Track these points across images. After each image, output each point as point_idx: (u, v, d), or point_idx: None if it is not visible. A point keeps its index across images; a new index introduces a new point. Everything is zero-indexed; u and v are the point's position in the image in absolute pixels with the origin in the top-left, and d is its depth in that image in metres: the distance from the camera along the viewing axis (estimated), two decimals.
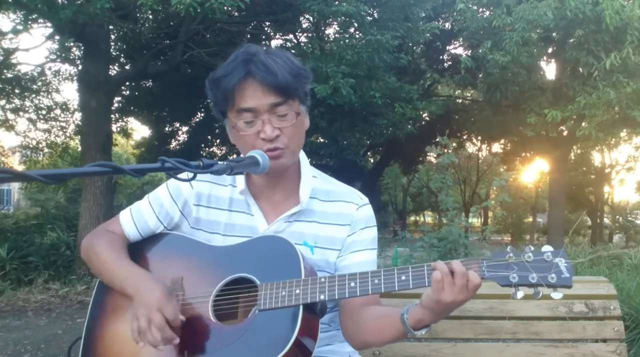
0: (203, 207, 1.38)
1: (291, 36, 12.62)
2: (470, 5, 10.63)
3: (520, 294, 1.05)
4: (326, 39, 11.31)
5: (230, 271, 1.24)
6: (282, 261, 1.20)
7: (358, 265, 1.33)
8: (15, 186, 24.40)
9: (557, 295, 1.04)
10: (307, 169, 1.39)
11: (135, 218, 1.41)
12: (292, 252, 1.20)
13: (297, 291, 1.13)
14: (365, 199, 1.42)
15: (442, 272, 1.05)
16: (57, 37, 9.67)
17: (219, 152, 16.29)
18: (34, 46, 14.32)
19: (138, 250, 1.40)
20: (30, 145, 13.28)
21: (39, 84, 11.96)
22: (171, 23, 9.87)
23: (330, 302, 1.34)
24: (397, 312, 1.16)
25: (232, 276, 1.24)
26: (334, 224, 1.35)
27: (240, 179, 1.35)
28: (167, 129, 15.99)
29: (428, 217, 36.93)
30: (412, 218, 38.01)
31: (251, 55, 1.23)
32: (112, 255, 1.35)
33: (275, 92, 1.22)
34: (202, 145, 16.01)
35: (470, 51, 12.58)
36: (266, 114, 1.23)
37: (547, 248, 1.06)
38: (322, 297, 1.12)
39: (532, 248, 1.07)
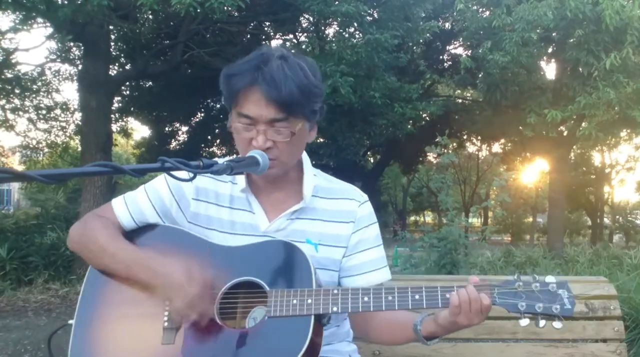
0: (202, 202, 1.36)
1: (291, 36, 12.63)
2: (470, 6, 10.62)
3: (525, 322, 1.12)
4: (326, 38, 11.32)
5: (237, 273, 1.22)
6: (292, 269, 1.19)
7: (368, 263, 1.35)
8: (15, 186, 24.40)
9: (558, 325, 1.11)
10: (309, 168, 1.39)
11: (131, 207, 1.35)
12: (304, 261, 1.19)
13: (309, 301, 1.13)
14: (365, 196, 1.43)
15: (461, 299, 1.11)
16: (57, 37, 9.68)
17: (219, 152, 16.30)
18: (34, 46, 14.31)
19: (136, 240, 1.33)
20: (30, 146, 13.29)
21: (39, 84, 11.97)
22: (171, 23, 9.89)
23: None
24: (410, 320, 1.20)
25: (238, 278, 1.21)
26: (338, 222, 1.35)
27: (241, 176, 1.34)
28: (167, 129, 16.00)
29: (428, 217, 36.94)
30: (412, 218, 38.02)
31: (264, 62, 1.20)
32: (113, 240, 1.28)
33: (277, 107, 1.19)
34: (202, 145, 16.01)
35: (470, 51, 12.58)
36: (263, 125, 1.21)
37: (550, 279, 1.13)
38: (334, 309, 1.13)
39: (537, 277, 1.14)
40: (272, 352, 1.11)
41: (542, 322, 1.11)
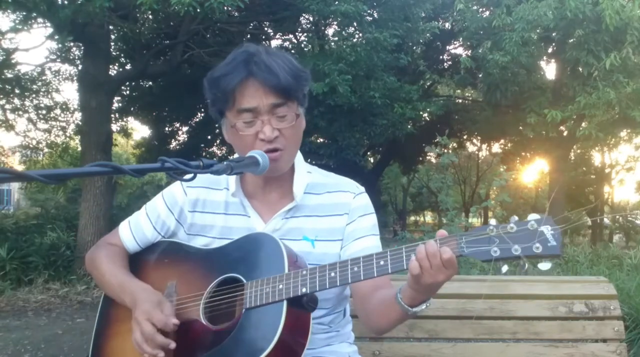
0: (198, 212, 1.39)
1: (291, 36, 12.64)
2: (470, 6, 10.62)
3: (504, 268, 1.01)
4: (325, 38, 11.32)
5: (220, 272, 1.25)
6: (266, 258, 1.20)
7: (361, 252, 1.31)
8: (15, 186, 24.42)
9: (545, 266, 0.98)
10: (301, 166, 1.39)
11: (134, 230, 1.43)
12: (275, 247, 1.20)
13: (280, 286, 1.14)
14: (362, 188, 1.42)
15: (419, 257, 1.04)
16: (57, 37, 9.68)
17: (219, 152, 16.28)
18: (34, 46, 14.30)
19: (137, 260, 1.42)
20: (30, 146, 13.29)
21: (39, 84, 11.96)
22: (171, 23, 9.88)
23: (330, 302, 1.34)
24: (394, 293, 1.17)
25: (221, 277, 1.24)
26: (332, 215, 1.35)
27: (232, 182, 1.35)
28: (167, 129, 15.98)
29: (428, 217, 36.91)
30: (412, 218, 37.98)
31: (251, 55, 1.23)
32: (111, 268, 1.37)
33: (276, 93, 1.22)
34: (202, 145, 16.00)
35: (470, 51, 12.57)
36: (266, 114, 1.23)
37: (532, 216, 0.99)
38: (304, 290, 1.12)
39: (517, 218, 1.01)
40: (250, 342, 1.12)
41: (525, 266, 0.97)
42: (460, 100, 17.63)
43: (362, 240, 1.35)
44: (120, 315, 1.35)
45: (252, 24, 11.06)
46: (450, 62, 15.76)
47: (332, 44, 9.92)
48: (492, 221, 1.03)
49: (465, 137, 18.59)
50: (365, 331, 1.68)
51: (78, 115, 12.12)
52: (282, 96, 1.23)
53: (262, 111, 1.23)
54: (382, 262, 1.08)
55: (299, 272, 1.14)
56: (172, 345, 1.17)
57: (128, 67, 11.50)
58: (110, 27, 8.78)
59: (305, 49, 10.81)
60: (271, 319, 1.12)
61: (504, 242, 0.98)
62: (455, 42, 14.85)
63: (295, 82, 1.24)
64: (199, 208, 1.39)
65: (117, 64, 11.58)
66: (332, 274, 1.12)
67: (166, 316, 1.19)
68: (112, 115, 11.39)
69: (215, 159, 1.12)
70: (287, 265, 1.16)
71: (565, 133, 12.03)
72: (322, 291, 1.14)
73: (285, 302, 1.12)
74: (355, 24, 9.36)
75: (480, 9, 11.27)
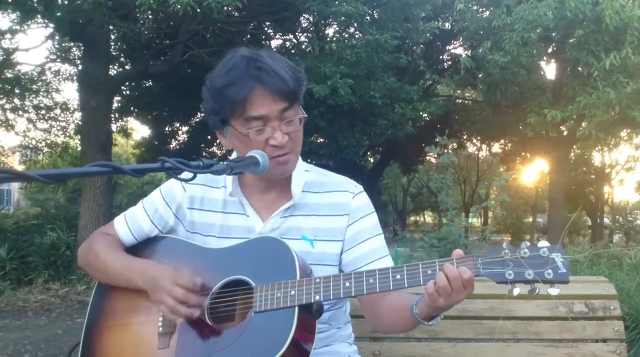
0: (197, 210, 1.38)
1: (291, 36, 12.64)
2: (470, 6, 10.62)
3: (516, 290, 1.05)
4: (326, 38, 11.32)
5: (226, 273, 1.24)
6: (277, 262, 1.20)
7: (369, 254, 1.33)
8: (15, 186, 24.43)
9: (554, 291, 1.03)
10: (299, 165, 1.38)
11: (130, 223, 1.41)
12: (287, 252, 1.19)
13: (292, 292, 1.13)
14: (360, 187, 1.41)
15: (439, 284, 1.06)
16: (57, 37, 9.69)
17: (219, 152, 16.28)
18: (34, 46, 14.31)
19: (135, 253, 1.40)
20: (30, 146, 13.29)
21: (39, 84, 11.97)
22: (171, 23, 9.89)
23: (329, 303, 1.33)
24: (409, 304, 1.18)
25: (227, 278, 1.23)
26: (332, 215, 1.35)
27: (229, 181, 1.34)
28: (167, 129, 15.99)
29: (428, 217, 36.92)
30: (412, 218, 38.00)
31: (254, 61, 1.21)
32: (112, 253, 1.36)
33: (283, 98, 1.21)
34: (202, 145, 16.01)
35: (470, 51, 12.57)
36: (276, 120, 1.22)
37: (543, 243, 1.05)
38: (317, 297, 1.12)
39: (529, 244, 1.07)
40: (259, 346, 1.12)
41: (535, 290, 1.03)
42: (460, 100, 17.63)
43: (368, 242, 1.35)
44: (117, 307, 1.34)
45: (252, 24, 11.06)
46: (450, 62, 15.76)
47: (333, 44, 9.92)
48: (505, 245, 1.08)
49: (465, 137, 18.61)
50: (365, 331, 1.68)
51: (78, 115, 12.14)
52: (289, 100, 1.22)
53: (272, 117, 1.22)
54: (398, 277, 1.10)
55: (312, 280, 1.14)
56: (206, 302, 1.19)
57: (128, 67, 11.51)
58: (110, 27, 8.78)
59: (307, 50, 10.81)
60: (282, 324, 1.11)
61: (518, 266, 1.04)
62: (455, 42, 14.85)
63: (298, 84, 1.24)
64: (197, 205, 1.38)
65: (117, 64, 11.58)
66: (347, 284, 1.12)
67: (191, 276, 1.19)
68: (112, 115, 11.38)
69: (215, 159, 1.11)
70: (298, 271, 1.16)
71: (565, 133, 12.03)
72: (335, 299, 1.13)
73: (297, 308, 1.12)
74: (355, 24, 9.36)
75: (480, 9, 11.27)
